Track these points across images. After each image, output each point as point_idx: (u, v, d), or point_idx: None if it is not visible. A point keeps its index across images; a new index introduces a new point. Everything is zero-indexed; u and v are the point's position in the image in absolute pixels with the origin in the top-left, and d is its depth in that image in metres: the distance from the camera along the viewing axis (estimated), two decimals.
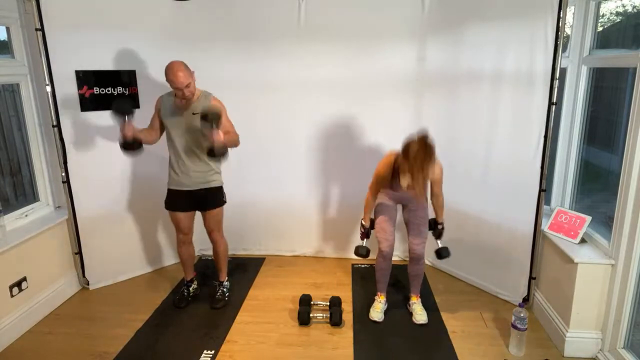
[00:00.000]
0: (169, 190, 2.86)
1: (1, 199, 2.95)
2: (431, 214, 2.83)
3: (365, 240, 2.87)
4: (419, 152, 2.29)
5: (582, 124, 2.85)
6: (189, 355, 2.52)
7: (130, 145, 2.68)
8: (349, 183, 3.60)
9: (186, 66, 2.61)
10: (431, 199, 2.74)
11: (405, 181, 2.42)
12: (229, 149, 2.66)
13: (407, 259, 2.89)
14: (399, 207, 2.82)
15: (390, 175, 2.60)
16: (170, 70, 2.56)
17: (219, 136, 2.55)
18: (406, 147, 2.35)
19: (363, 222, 2.87)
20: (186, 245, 3.00)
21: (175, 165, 2.80)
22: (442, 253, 2.80)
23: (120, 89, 3.18)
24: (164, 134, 2.85)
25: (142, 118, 3.19)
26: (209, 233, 2.94)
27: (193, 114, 2.68)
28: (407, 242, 2.80)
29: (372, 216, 2.85)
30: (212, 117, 2.50)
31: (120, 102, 2.71)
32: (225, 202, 2.93)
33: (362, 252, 2.81)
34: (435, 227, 2.84)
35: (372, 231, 2.85)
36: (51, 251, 3.06)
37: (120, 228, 3.36)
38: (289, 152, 3.61)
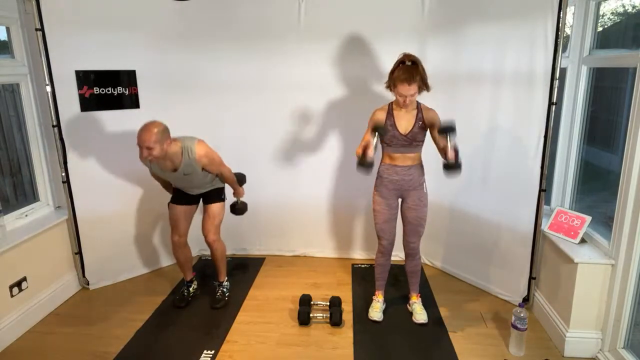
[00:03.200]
0: (174, 189, 2.94)
1: (1, 199, 2.95)
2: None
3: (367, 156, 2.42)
4: (403, 66, 2.43)
5: (582, 124, 2.85)
6: (189, 355, 2.52)
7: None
8: (349, 183, 3.60)
9: (162, 131, 2.46)
10: (437, 145, 2.59)
11: (402, 86, 2.42)
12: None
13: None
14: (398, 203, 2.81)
15: (384, 117, 2.57)
16: (142, 127, 2.45)
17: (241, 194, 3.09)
18: (394, 66, 2.49)
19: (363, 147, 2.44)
20: (182, 249, 2.98)
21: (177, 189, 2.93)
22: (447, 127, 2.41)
23: (120, 89, 3.18)
24: None
25: (142, 118, 3.20)
26: (206, 237, 2.91)
27: (184, 174, 2.69)
28: (402, 239, 2.79)
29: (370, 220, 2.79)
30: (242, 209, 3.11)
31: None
32: (224, 199, 2.98)
33: (366, 163, 2.40)
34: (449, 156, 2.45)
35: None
36: (51, 251, 3.06)
37: (120, 228, 3.36)
38: (289, 151, 3.61)
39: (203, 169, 2.71)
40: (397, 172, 2.64)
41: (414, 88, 2.43)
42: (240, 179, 3.12)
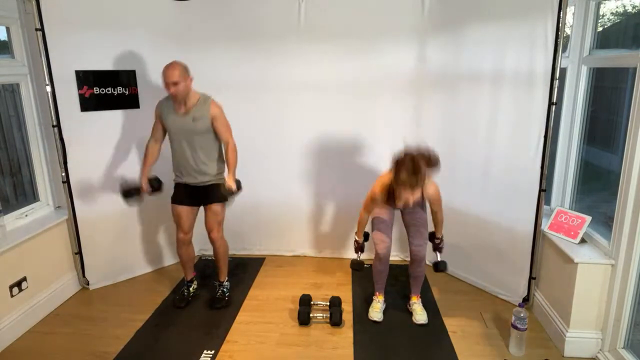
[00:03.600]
0: (176, 185, 2.92)
1: (1, 199, 2.95)
2: (430, 227, 2.84)
3: (359, 253, 2.90)
4: (406, 173, 2.31)
5: (582, 124, 2.85)
6: (189, 355, 2.52)
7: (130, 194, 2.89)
8: (349, 183, 3.60)
9: (184, 68, 2.66)
10: (431, 214, 2.74)
11: (400, 202, 2.44)
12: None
13: (407, 259, 2.90)
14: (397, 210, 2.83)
15: (385, 196, 2.61)
16: (166, 66, 2.63)
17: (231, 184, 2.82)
18: (395, 169, 2.37)
19: (356, 237, 2.88)
20: (186, 246, 3.00)
21: (178, 165, 2.86)
22: (439, 266, 2.82)
23: (120, 89, 3.18)
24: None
25: (142, 118, 3.20)
26: (209, 233, 2.94)
27: (192, 120, 2.71)
28: (408, 244, 2.79)
29: (367, 229, 2.89)
30: (225, 195, 2.83)
31: (126, 193, 2.89)
32: (227, 198, 2.94)
33: (356, 267, 2.86)
34: (433, 241, 2.86)
35: (365, 244, 2.90)
36: (51, 251, 3.06)
37: (120, 228, 3.36)
38: (289, 152, 3.61)
39: (212, 125, 2.74)
40: None
41: (417, 193, 2.39)
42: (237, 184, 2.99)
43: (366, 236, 2.89)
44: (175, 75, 2.60)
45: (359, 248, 2.89)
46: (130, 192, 2.87)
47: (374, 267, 2.84)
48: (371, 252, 2.87)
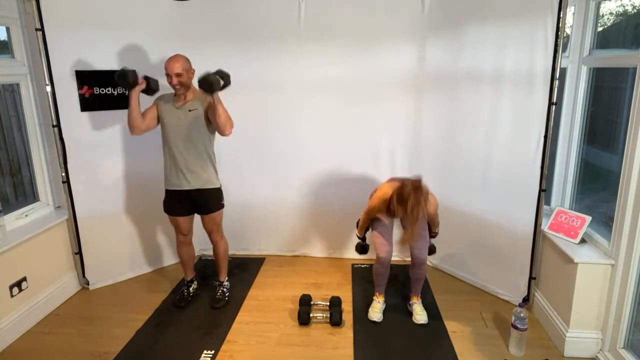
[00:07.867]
0: (167, 191, 2.86)
1: (1, 199, 2.95)
2: None
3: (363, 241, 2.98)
4: (412, 202, 2.38)
5: (582, 124, 2.85)
6: (189, 355, 2.52)
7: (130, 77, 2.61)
8: (349, 183, 3.60)
9: (187, 60, 2.70)
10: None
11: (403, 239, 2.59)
12: (226, 122, 2.66)
13: (407, 259, 2.90)
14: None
15: (385, 209, 2.63)
16: (169, 58, 2.66)
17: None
18: (399, 195, 2.43)
19: (357, 234, 2.98)
20: (186, 246, 3.00)
21: (170, 167, 2.78)
22: (430, 250, 2.90)
23: (120, 89, 3.18)
24: (159, 135, 2.84)
25: None
26: (209, 234, 2.95)
27: (189, 110, 2.70)
28: (409, 247, 2.78)
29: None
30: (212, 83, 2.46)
31: (121, 77, 2.64)
32: (223, 205, 2.92)
33: (360, 250, 2.98)
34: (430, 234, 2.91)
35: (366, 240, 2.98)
36: (51, 251, 3.06)
37: (120, 228, 3.36)
38: (289, 152, 3.61)
39: (207, 115, 2.71)
40: None
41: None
42: (225, 78, 2.62)
43: (364, 239, 2.99)
44: (178, 67, 2.62)
45: (361, 240, 2.98)
46: (125, 75, 2.61)
47: (375, 269, 2.84)
48: (372, 254, 2.86)
